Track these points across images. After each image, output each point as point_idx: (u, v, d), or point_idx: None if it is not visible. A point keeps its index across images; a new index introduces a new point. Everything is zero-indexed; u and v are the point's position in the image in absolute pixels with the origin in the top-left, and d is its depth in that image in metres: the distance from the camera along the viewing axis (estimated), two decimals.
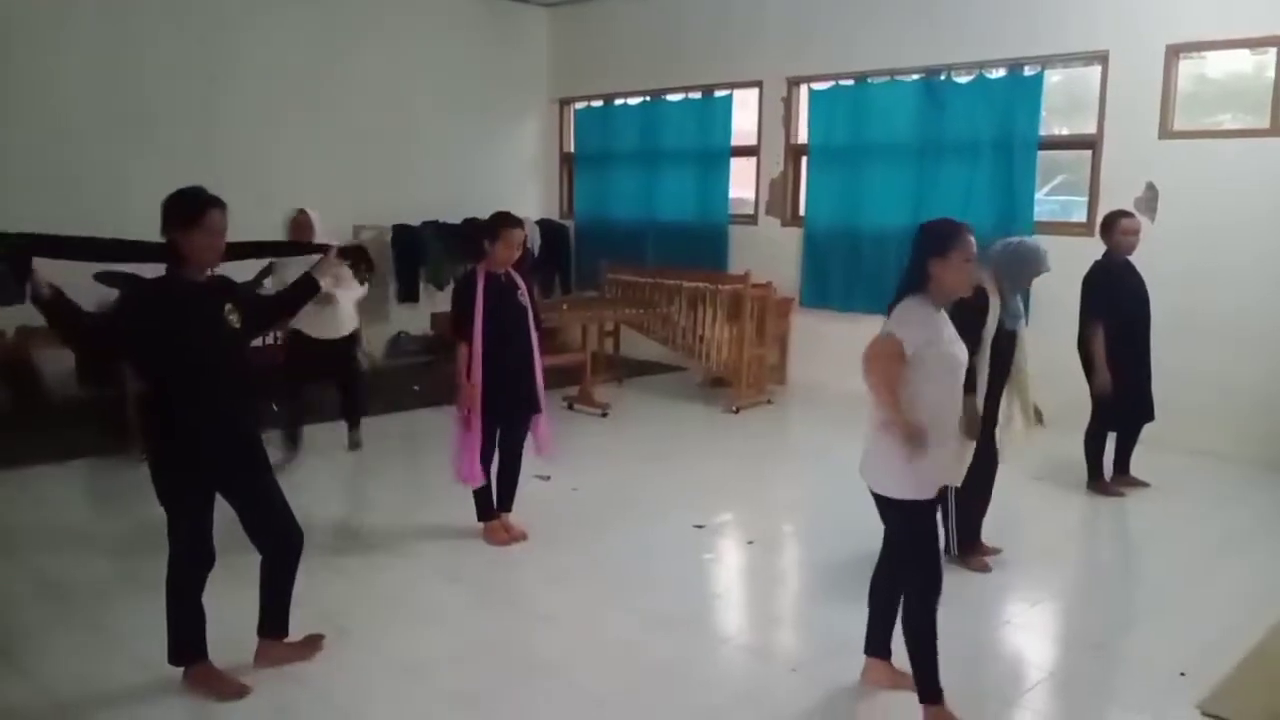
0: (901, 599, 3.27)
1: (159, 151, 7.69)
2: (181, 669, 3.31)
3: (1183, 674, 3.55)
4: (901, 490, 3.13)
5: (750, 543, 5.00)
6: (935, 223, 3.22)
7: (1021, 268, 4.31)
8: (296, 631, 3.60)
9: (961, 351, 3.18)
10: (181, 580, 3.24)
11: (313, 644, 3.55)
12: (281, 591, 3.45)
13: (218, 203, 3.10)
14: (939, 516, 4.45)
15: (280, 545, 3.39)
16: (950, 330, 3.19)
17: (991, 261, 4.27)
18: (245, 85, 8.43)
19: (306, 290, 3.56)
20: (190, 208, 3.06)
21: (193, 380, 3.10)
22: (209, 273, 3.21)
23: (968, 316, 4.17)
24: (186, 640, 3.27)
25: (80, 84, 7.60)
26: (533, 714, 3.31)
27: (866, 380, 3.11)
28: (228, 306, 3.21)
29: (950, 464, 3.28)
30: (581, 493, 5.67)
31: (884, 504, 3.21)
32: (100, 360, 3.19)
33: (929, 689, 3.18)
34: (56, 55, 7.49)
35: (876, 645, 3.44)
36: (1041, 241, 4.41)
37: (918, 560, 3.22)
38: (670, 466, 6.40)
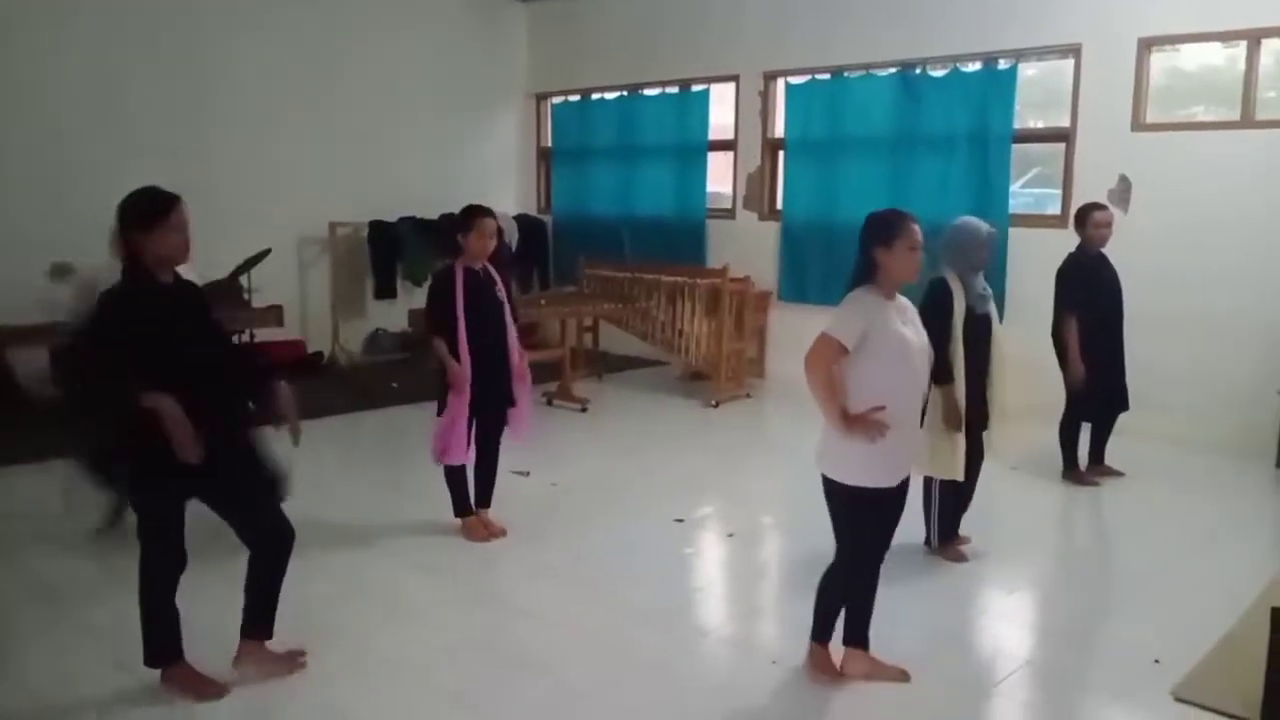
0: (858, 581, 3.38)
1: (145, 151, 7.62)
2: (159, 670, 3.28)
3: (1157, 661, 3.59)
4: (844, 475, 3.20)
5: (730, 536, 5.02)
6: (879, 213, 3.28)
7: (962, 247, 4.33)
8: (277, 630, 3.59)
9: (915, 335, 3.22)
10: (154, 582, 3.20)
11: (294, 659, 3.46)
12: (268, 591, 3.36)
13: (178, 199, 3.04)
14: (923, 507, 4.54)
15: (270, 543, 3.31)
16: (906, 315, 3.26)
17: (941, 247, 4.33)
18: (219, 83, 8.36)
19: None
20: (155, 206, 2.99)
21: (176, 383, 3.02)
22: (176, 275, 3.14)
23: (932, 308, 4.23)
24: (161, 642, 3.23)
25: (62, 83, 7.52)
26: (515, 709, 3.31)
27: (808, 384, 3.15)
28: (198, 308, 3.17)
29: (909, 453, 3.29)
30: (561, 488, 5.67)
31: (826, 486, 3.27)
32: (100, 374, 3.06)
33: (818, 628, 3.43)
34: (50, 55, 7.44)
35: (853, 634, 3.46)
36: (979, 220, 4.43)
37: (847, 544, 3.32)
38: (650, 461, 6.41)
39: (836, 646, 3.47)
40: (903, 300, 3.32)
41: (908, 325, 3.23)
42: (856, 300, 3.20)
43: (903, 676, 3.42)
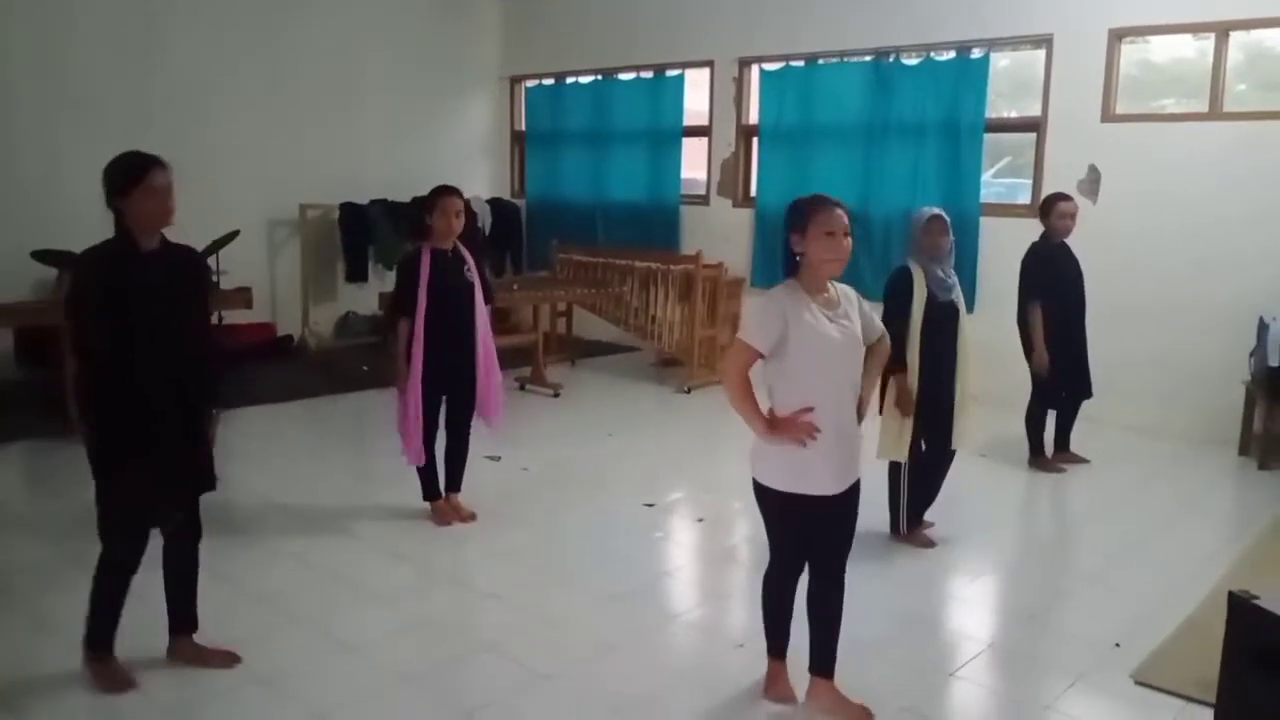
0: (839, 616, 3.16)
1: (94, 128, 7.47)
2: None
3: (1118, 645, 3.64)
4: (756, 470, 3.05)
5: (700, 520, 5.04)
6: (798, 198, 3.03)
7: (914, 234, 4.39)
8: (238, 614, 3.58)
9: (841, 332, 2.94)
10: (109, 572, 3.14)
11: (230, 659, 3.35)
12: (183, 584, 3.31)
13: (160, 161, 2.99)
14: (889, 494, 4.56)
15: (182, 539, 3.27)
16: (838, 309, 2.98)
17: (906, 237, 4.38)
18: (183, 60, 8.22)
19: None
20: (131, 169, 2.95)
21: (143, 351, 2.98)
22: (164, 240, 3.08)
23: (891, 295, 4.28)
24: (101, 631, 3.19)
25: (13, 59, 7.37)
26: (476, 690, 3.31)
27: (725, 390, 3.01)
28: (182, 277, 3.10)
29: (850, 456, 3.01)
30: (532, 472, 5.66)
31: (757, 489, 3.08)
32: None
33: (768, 644, 3.25)
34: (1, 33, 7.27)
35: (817, 662, 3.17)
36: (928, 207, 4.50)
37: (770, 544, 3.16)
38: (621, 446, 6.41)
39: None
40: (838, 290, 3.03)
41: (836, 320, 2.95)
42: (771, 300, 2.94)
43: (866, 716, 3.09)
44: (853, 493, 3.06)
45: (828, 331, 2.92)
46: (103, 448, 3.05)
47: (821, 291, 2.98)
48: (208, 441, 3.28)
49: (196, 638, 3.37)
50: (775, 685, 3.25)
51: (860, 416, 3.09)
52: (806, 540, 3.10)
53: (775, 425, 2.93)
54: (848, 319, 3.00)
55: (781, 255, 3.03)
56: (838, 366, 2.96)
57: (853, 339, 2.99)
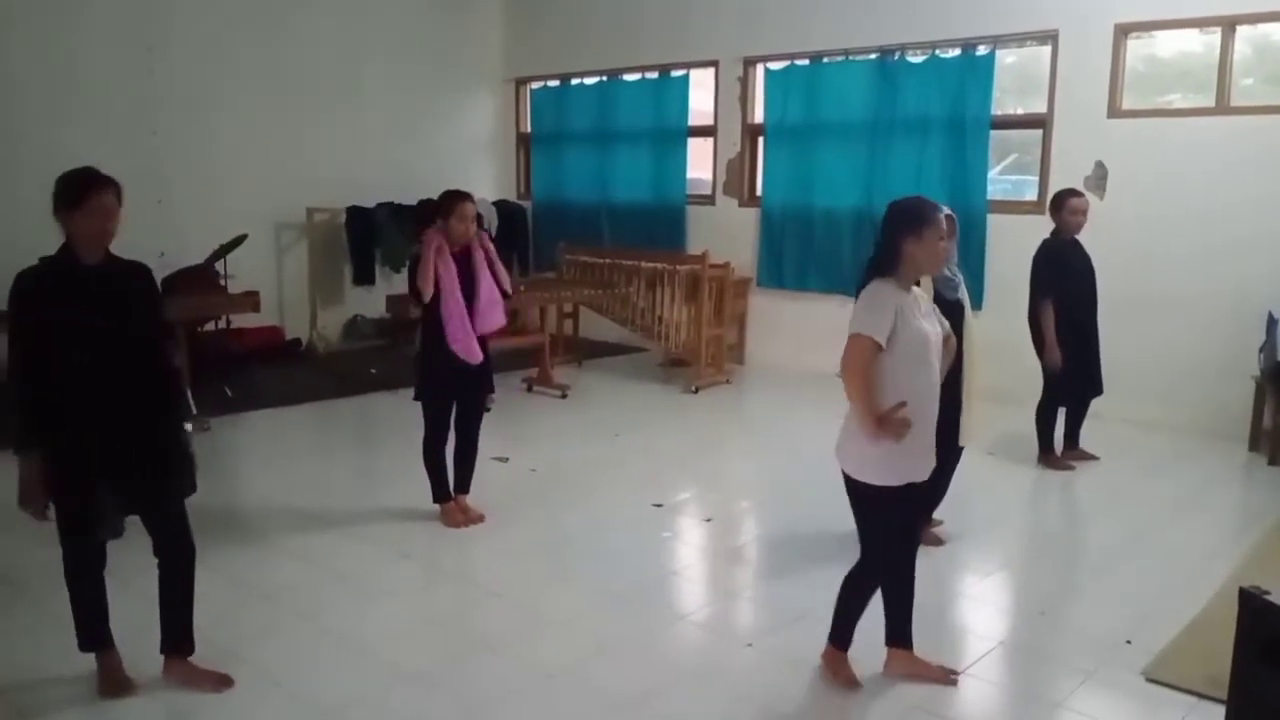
0: (899, 580, 3.32)
1: (100, 133, 7.50)
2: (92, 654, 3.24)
3: (1128, 642, 3.63)
4: (862, 473, 3.12)
5: (708, 520, 5.03)
6: (907, 202, 3.13)
7: None
8: (245, 612, 3.58)
9: (933, 329, 3.12)
10: (75, 575, 3.15)
11: (224, 682, 3.28)
12: (176, 605, 3.25)
13: (106, 184, 2.98)
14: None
15: (168, 554, 3.22)
16: (924, 307, 3.15)
17: None
18: (188, 64, 8.25)
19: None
20: (73, 191, 2.95)
21: (79, 372, 2.97)
22: (108, 255, 3.06)
23: None
24: (86, 629, 3.19)
25: (17, 55, 7.40)
26: (480, 689, 3.31)
27: (846, 390, 3.05)
28: (124, 292, 3.07)
29: (924, 454, 3.17)
30: (540, 473, 5.67)
31: (848, 483, 3.19)
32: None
33: (835, 634, 3.33)
34: (6, 32, 7.30)
35: (894, 635, 3.37)
36: (943, 207, 4.42)
37: (871, 543, 3.24)
38: (629, 447, 6.41)
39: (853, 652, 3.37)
40: (918, 290, 3.18)
41: (926, 317, 3.12)
42: (880, 294, 3.04)
43: (946, 677, 3.33)
44: (926, 483, 3.25)
45: (924, 327, 3.08)
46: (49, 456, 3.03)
47: (909, 291, 3.11)
48: (178, 451, 3.22)
49: (193, 658, 3.30)
50: (842, 671, 3.33)
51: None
52: (910, 530, 3.30)
53: (880, 422, 2.97)
54: (933, 316, 3.18)
55: (881, 254, 3.10)
56: (929, 361, 3.10)
57: (940, 335, 3.17)
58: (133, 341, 3.10)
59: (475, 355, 4.60)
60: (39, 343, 2.97)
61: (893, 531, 3.23)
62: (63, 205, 2.96)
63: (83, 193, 2.96)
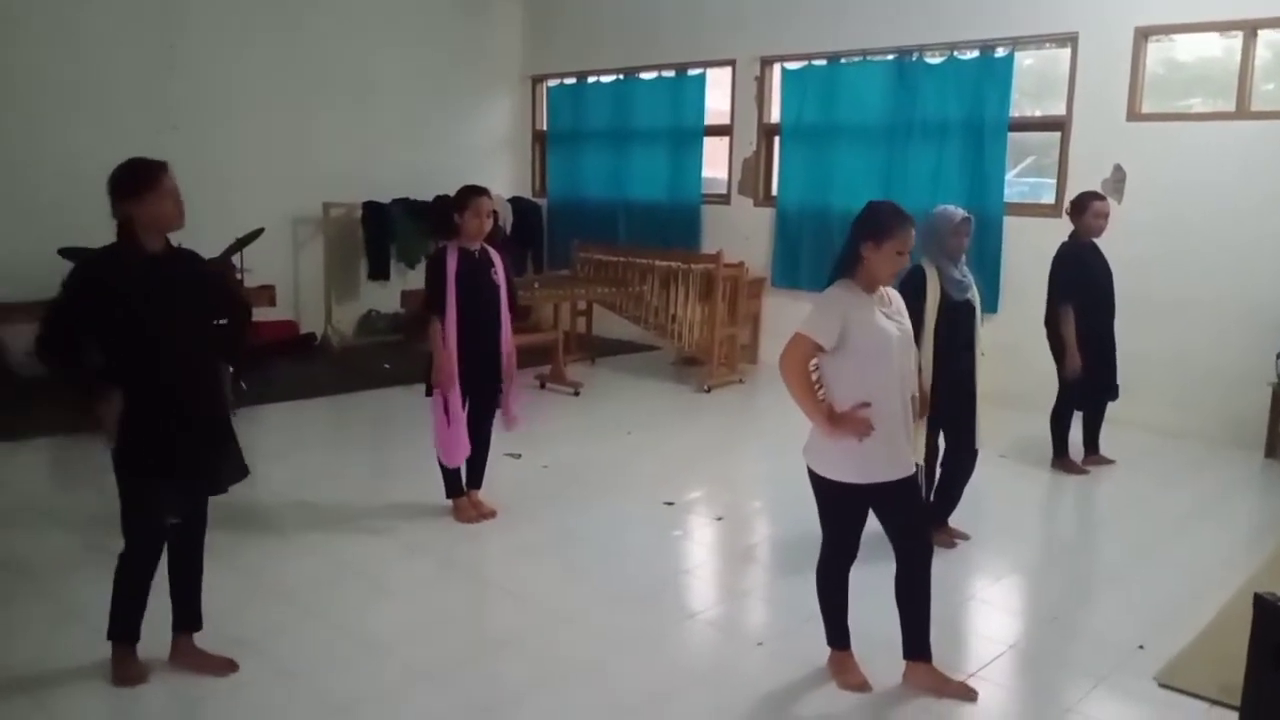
0: (926, 598, 3.28)
1: (116, 129, 7.52)
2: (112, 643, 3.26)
3: (1141, 647, 3.61)
4: (821, 466, 3.16)
5: (719, 519, 5.03)
6: (878, 206, 3.13)
7: (938, 234, 4.25)
8: (257, 607, 3.59)
9: (897, 329, 3.11)
10: (134, 565, 3.16)
11: (230, 666, 3.31)
12: (186, 581, 3.30)
13: (165, 165, 3.03)
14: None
15: (191, 533, 3.27)
16: (890, 307, 3.15)
17: (919, 236, 4.31)
18: (205, 60, 8.29)
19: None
20: (143, 176, 2.97)
21: (149, 360, 2.99)
22: (168, 244, 3.10)
23: (905, 295, 4.21)
24: (122, 623, 3.22)
25: (33, 57, 7.44)
26: (491, 686, 3.32)
27: (784, 381, 3.08)
28: (190, 278, 3.12)
29: (902, 447, 3.14)
30: (552, 470, 5.68)
31: (812, 478, 3.21)
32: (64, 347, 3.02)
33: (830, 634, 3.35)
34: (9, 26, 7.34)
35: (911, 647, 3.30)
36: (955, 207, 4.36)
37: (828, 536, 3.28)
38: (641, 445, 6.41)
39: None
40: (887, 291, 3.19)
41: (891, 319, 3.12)
42: (834, 297, 3.09)
43: (968, 693, 3.26)
44: (911, 479, 3.19)
45: (886, 327, 3.08)
46: (123, 449, 3.06)
47: (873, 292, 3.12)
48: (234, 438, 3.29)
49: (200, 638, 3.34)
50: (846, 674, 3.32)
51: (920, 409, 3.27)
52: (859, 530, 3.24)
53: (836, 420, 3.04)
54: (900, 315, 3.17)
55: (843, 253, 3.12)
56: (895, 361, 3.09)
57: (907, 334, 3.17)
58: (208, 327, 3.16)
59: (458, 460, 4.69)
60: (86, 331, 2.98)
61: (841, 529, 3.23)
62: (129, 193, 2.96)
63: (155, 176, 2.98)
